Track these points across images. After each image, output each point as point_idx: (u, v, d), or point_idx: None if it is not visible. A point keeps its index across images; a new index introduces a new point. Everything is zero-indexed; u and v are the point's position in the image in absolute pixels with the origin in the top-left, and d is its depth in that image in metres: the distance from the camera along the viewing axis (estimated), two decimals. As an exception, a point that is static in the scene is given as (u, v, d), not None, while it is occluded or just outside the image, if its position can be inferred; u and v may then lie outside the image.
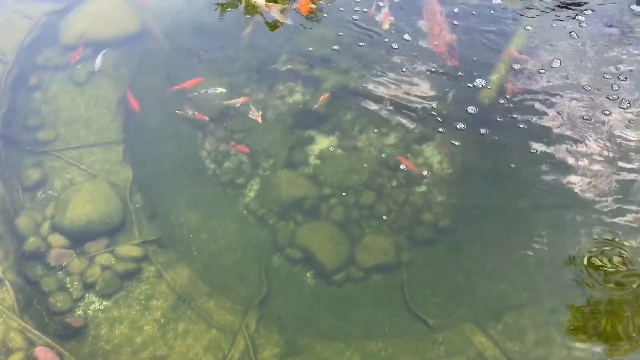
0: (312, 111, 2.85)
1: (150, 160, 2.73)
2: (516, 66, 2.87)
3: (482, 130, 2.66)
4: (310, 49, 3.08)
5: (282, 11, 3.30)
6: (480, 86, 2.80)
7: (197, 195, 2.61)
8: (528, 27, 3.04)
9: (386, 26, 3.06)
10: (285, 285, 2.36)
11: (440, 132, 2.69)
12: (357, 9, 3.24)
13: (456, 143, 2.64)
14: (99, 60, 3.01)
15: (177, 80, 2.96)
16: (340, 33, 3.13)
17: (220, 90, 2.88)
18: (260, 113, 2.80)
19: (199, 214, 2.55)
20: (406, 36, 3.08)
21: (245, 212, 2.55)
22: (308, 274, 2.38)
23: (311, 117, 2.83)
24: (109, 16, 3.26)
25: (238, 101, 2.87)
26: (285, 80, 2.97)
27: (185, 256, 2.43)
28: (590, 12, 3.14)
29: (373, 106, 2.85)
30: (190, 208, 2.57)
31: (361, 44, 3.07)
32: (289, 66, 3.02)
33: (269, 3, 3.30)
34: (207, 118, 2.79)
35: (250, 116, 2.79)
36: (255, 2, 3.33)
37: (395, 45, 3.03)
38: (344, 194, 2.55)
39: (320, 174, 2.63)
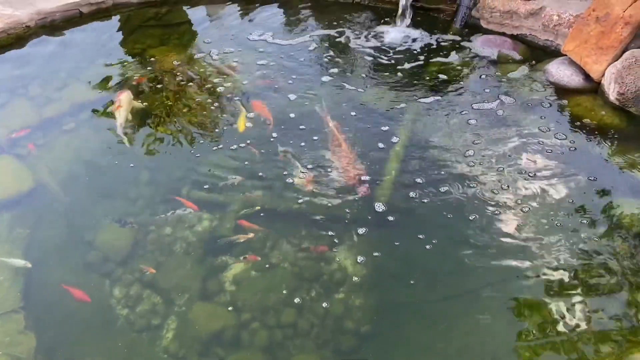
0: (225, 238, 2.85)
1: (55, 322, 2.57)
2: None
3: (386, 231, 2.77)
4: (219, 172, 3.16)
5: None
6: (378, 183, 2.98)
7: (111, 349, 2.46)
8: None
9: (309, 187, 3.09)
10: None
11: (351, 235, 2.77)
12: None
13: (367, 243, 2.72)
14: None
15: (77, 233, 2.91)
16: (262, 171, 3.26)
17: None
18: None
19: (116, 370, 2.40)
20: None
21: (165, 356, 2.43)
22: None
23: (222, 242, 2.82)
24: (-3, 179, 3.19)
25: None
26: (190, 210, 2.99)
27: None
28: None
29: (283, 223, 2.91)
30: (105, 366, 2.42)
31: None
32: (196, 192, 3.06)
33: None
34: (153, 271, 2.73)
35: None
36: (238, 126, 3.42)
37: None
38: (263, 316, 2.51)
39: (238, 300, 2.58)
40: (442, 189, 2.91)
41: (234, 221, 2.87)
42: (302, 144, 3.25)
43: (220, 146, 3.29)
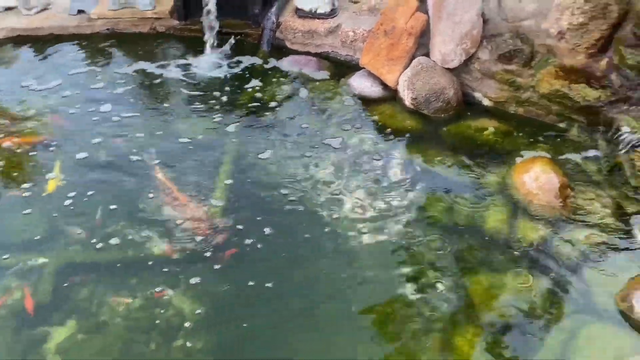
0: (40, 304, 2.56)
1: None
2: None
3: (218, 266, 2.74)
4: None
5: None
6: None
7: None
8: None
9: None
10: None
11: (187, 278, 2.68)
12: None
13: (198, 280, 2.65)
14: None
15: None
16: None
17: None
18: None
19: None
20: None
21: None
22: None
23: (41, 310, 2.54)
24: None
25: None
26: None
27: None
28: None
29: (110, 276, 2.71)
30: None
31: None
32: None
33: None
34: None
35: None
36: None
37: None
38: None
39: (67, 371, 2.35)
40: (274, 219, 2.95)
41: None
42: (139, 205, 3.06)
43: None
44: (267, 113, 3.74)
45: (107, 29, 4.58)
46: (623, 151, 3.07)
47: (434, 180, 3.19)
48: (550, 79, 3.41)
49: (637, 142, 3.03)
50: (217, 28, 4.29)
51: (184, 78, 4.07)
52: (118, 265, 2.72)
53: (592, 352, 2.28)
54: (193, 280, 2.63)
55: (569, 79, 3.37)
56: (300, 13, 4.30)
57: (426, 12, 3.75)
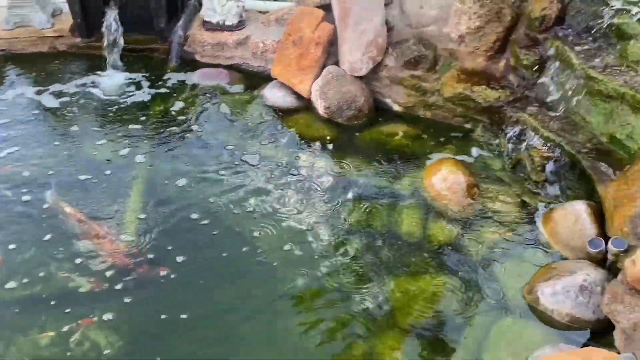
0: None
1: None
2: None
3: (130, 299, 2.63)
4: None
5: None
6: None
7: None
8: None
9: None
10: None
11: (99, 311, 2.55)
12: None
13: (110, 317, 2.53)
14: None
15: None
16: None
17: None
18: None
19: None
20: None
21: None
22: None
23: None
24: None
25: None
26: None
27: None
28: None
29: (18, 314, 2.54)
30: None
31: None
32: None
33: None
34: None
35: None
36: None
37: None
38: None
39: None
40: (190, 244, 2.87)
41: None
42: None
43: None
44: (178, 130, 3.64)
45: (2, 50, 4.31)
46: (523, 148, 3.23)
47: (351, 187, 3.22)
48: (453, 83, 3.54)
49: (536, 139, 3.20)
50: (122, 44, 4.14)
51: (87, 99, 3.89)
52: (27, 302, 2.55)
53: (504, 347, 2.37)
54: (106, 316, 2.49)
55: (471, 82, 3.51)
56: (208, 26, 4.22)
57: (333, 22, 3.79)
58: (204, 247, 2.86)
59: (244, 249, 2.83)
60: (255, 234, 2.91)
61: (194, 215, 3.00)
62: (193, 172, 3.30)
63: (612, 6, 3.10)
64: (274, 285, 2.68)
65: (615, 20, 3.07)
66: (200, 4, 4.33)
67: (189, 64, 4.29)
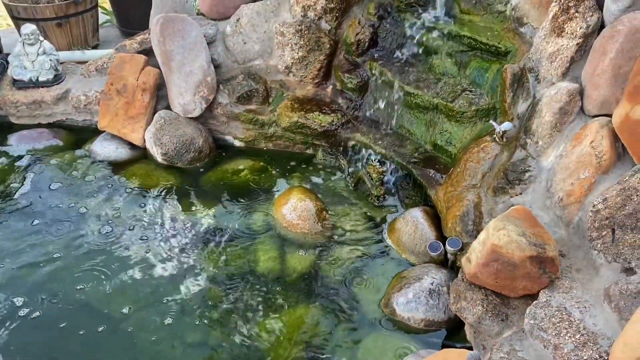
0: None
1: None
2: None
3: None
4: None
5: None
6: None
7: None
8: None
9: None
10: None
11: None
12: None
13: None
14: None
15: None
16: None
17: None
18: None
19: None
20: None
21: None
22: None
23: None
24: None
25: None
26: None
27: None
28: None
29: None
30: None
31: None
32: None
33: None
34: None
35: None
36: None
37: None
38: None
39: None
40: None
41: None
42: None
43: None
44: (7, 203, 3.25)
45: None
46: (361, 166, 3.39)
47: (203, 233, 3.11)
48: (288, 112, 3.61)
49: (369, 156, 3.38)
50: None
51: None
52: None
53: (371, 363, 2.43)
54: None
55: (304, 109, 3.61)
56: (20, 84, 3.85)
57: (157, 65, 3.67)
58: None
59: (100, 329, 2.58)
60: (105, 308, 2.66)
61: (29, 309, 2.68)
62: (18, 257, 2.90)
63: (415, 23, 3.40)
64: (133, 355, 2.47)
65: (421, 38, 3.37)
66: (7, 62, 3.94)
67: (4, 127, 3.87)
